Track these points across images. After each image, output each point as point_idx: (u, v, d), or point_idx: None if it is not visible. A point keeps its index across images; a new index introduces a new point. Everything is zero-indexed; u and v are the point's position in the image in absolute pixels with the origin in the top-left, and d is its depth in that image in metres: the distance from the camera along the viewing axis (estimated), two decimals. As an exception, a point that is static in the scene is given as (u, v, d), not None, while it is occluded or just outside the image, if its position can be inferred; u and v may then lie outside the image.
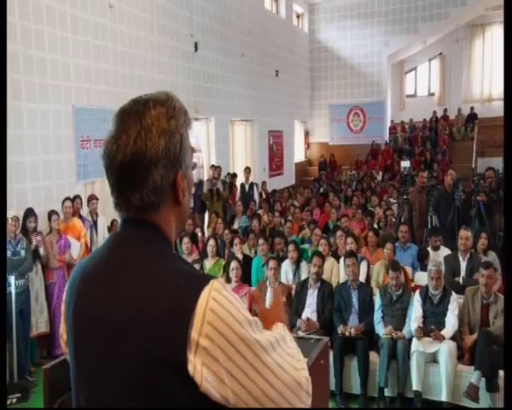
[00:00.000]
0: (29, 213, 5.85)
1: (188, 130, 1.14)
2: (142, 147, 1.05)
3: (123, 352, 1.02)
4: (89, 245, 6.76)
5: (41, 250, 5.80)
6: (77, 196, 6.90)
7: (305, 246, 7.26)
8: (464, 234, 5.99)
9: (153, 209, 1.10)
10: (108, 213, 7.35)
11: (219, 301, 1.00)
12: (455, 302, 4.97)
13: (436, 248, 6.46)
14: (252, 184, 11.35)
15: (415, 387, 4.69)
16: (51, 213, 6.20)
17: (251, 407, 1.02)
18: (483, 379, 4.49)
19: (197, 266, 6.06)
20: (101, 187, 7.59)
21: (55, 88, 6.91)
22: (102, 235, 7.03)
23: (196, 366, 0.97)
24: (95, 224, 7.04)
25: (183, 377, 0.98)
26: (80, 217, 6.83)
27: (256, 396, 1.01)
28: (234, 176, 11.63)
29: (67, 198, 6.60)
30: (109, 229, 7.15)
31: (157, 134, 1.06)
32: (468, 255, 5.94)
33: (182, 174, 1.11)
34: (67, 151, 7.19)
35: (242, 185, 11.19)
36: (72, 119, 7.25)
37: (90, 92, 7.62)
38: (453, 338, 4.83)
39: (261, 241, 6.74)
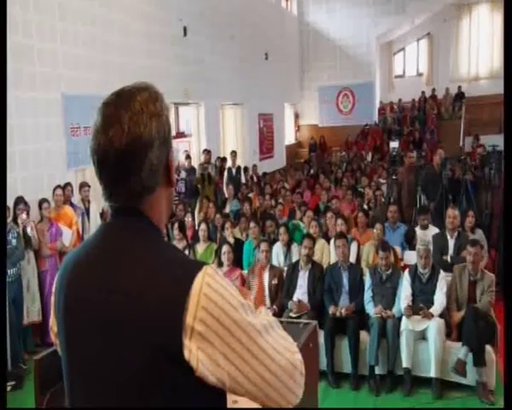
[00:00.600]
0: (19, 201, 5.80)
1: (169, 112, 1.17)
2: (137, 131, 1.06)
3: (117, 341, 1.02)
4: (80, 233, 6.71)
5: (28, 229, 5.72)
6: (68, 184, 6.84)
7: (300, 226, 7.20)
8: (452, 213, 6.01)
9: (148, 194, 1.10)
10: (100, 200, 7.29)
11: (213, 287, 1.00)
12: (443, 280, 5.00)
13: (424, 228, 6.48)
14: (239, 168, 11.30)
15: (404, 364, 4.73)
16: (42, 202, 6.14)
17: (247, 389, 1.03)
18: (470, 355, 4.54)
19: (188, 252, 6.05)
20: (92, 174, 7.42)
21: (43, 76, 6.81)
22: (95, 222, 6.98)
23: (192, 350, 0.98)
24: (87, 211, 6.98)
25: (179, 363, 0.98)
26: (71, 204, 6.78)
27: (252, 379, 1.02)
28: (223, 160, 11.57)
29: (58, 186, 6.53)
30: (101, 216, 7.11)
31: (147, 117, 1.07)
32: (455, 234, 5.97)
33: (171, 154, 1.14)
34: (57, 139, 7.11)
35: (229, 169, 11.14)
36: (61, 106, 7.15)
37: (79, 80, 7.51)
38: (441, 316, 4.87)
39: (252, 224, 6.73)
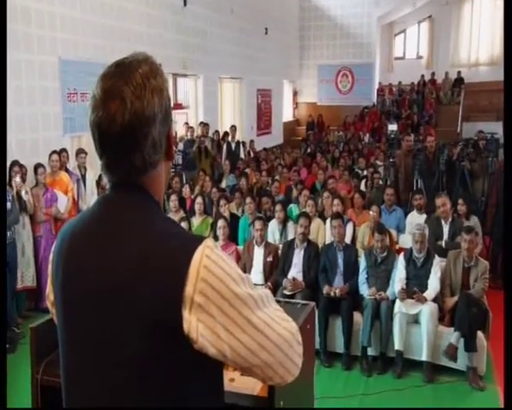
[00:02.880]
0: (14, 164, 5.70)
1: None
2: (140, 106, 1.03)
3: (115, 313, 1.01)
4: (76, 199, 6.64)
5: (23, 193, 5.64)
6: (63, 150, 6.73)
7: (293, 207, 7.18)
8: (440, 201, 5.95)
9: (150, 169, 1.09)
10: (97, 167, 7.19)
11: (213, 259, 1.00)
12: (437, 265, 5.00)
13: (420, 210, 6.44)
14: (238, 143, 11.19)
15: (397, 346, 4.74)
16: (37, 167, 6.05)
17: (248, 360, 1.03)
18: (462, 340, 4.55)
19: (184, 224, 5.98)
20: (89, 141, 7.34)
21: (40, 38, 6.63)
22: (91, 189, 6.91)
23: (192, 322, 0.98)
24: (83, 178, 6.89)
25: (178, 336, 0.98)
26: (67, 171, 6.68)
27: (253, 349, 1.02)
28: (225, 134, 11.42)
29: (54, 151, 6.43)
30: (98, 183, 7.02)
31: (150, 92, 1.05)
32: (450, 219, 5.95)
33: (171, 128, 1.15)
34: (54, 104, 6.98)
35: (228, 144, 11.02)
36: (58, 71, 7.01)
37: (76, 44, 7.35)
38: (435, 300, 4.87)
39: (248, 200, 6.67)
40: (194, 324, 0.98)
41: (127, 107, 1.02)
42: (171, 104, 1.16)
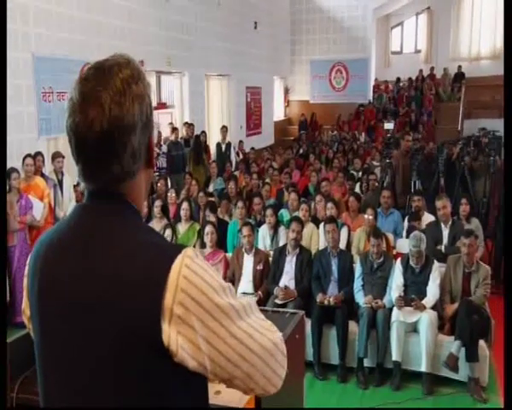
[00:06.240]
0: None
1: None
2: (119, 114, 1.05)
3: (94, 327, 1.03)
4: (53, 206, 6.62)
5: None
6: (38, 153, 6.71)
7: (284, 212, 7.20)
8: (440, 204, 5.97)
9: (129, 178, 1.11)
10: (74, 172, 7.18)
11: (192, 269, 1.02)
12: (436, 271, 5.04)
13: (418, 214, 6.47)
14: (229, 144, 11.22)
15: (394, 357, 4.77)
16: (11, 171, 6.01)
17: (229, 372, 1.05)
18: (463, 349, 4.59)
19: (168, 232, 6.00)
20: (66, 144, 7.28)
21: (11, 33, 6.62)
22: (68, 195, 6.90)
23: (171, 335, 0.99)
24: (60, 183, 6.88)
25: (157, 349, 1.00)
26: (43, 175, 6.66)
27: (234, 361, 1.04)
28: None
29: (28, 155, 6.41)
30: (75, 189, 7.01)
31: (130, 98, 1.06)
32: (450, 223, 5.99)
33: (152, 135, 1.16)
34: (27, 103, 6.97)
35: (219, 145, 11.04)
36: (31, 68, 6.99)
37: (51, 40, 7.34)
38: (434, 308, 4.92)
39: (240, 204, 6.68)
40: (173, 336, 0.99)
41: (105, 114, 1.03)
42: (154, 103, 1.21)
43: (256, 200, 6.99)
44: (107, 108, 1.03)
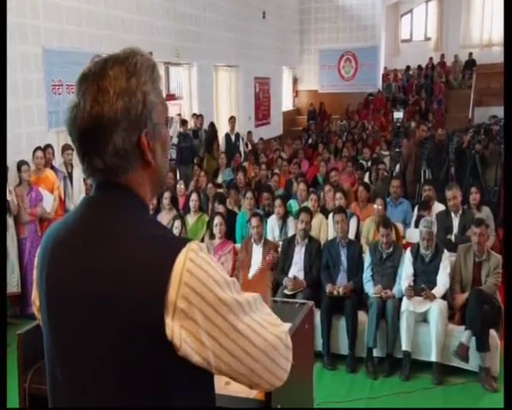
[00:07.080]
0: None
1: (156, 85, 1.13)
2: (99, 111, 1.05)
3: (99, 320, 1.04)
4: (63, 198, 6.66)
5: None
6: (48, 146, 6.75)
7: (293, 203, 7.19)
8: (450, 194, 5.93)
9: (121, 172, 1.10)
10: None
11: (197, 262, 1.02)
12: (447, 260, 5.02)
13: (428, 203, 6.45)
14: (238, 135, 11.20)
15: (404, 347, 4.77)
16: (21, 164, 6.07)
17: (233, 367, 1.05)
18: (473, 339, 4.58)
19: (178, 223, 6.01)
20: (76, 136, 7.42)
21: (21, 27, 6.65)
22: (78, 187, 6.94)
23: (174, 329, 1.00)
24: (69, 176, 6.92)
25: (161, 343, 1.00)
26: (53, 168, 6.70)
27: (238, 356, 1.05)
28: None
29: (38, 148, 6.45)
30: (85, 181, 7.05)
31: (114, 96, 1.06)
32: (460, 212, 5.96)
33: (149, 133, 1.10)
34: (37, 96, 6.99)
35: (228, 136, 11.02)
36: (41, 61, 7.01)
37: (61, 33, 7.35)
38: (444, 297, 4.90)
39: (249, 194, 6.67)
40: (177, 330, 1.00)
41: (86, 110, 1.06)
42: (164, 97, 1.17)
43: (265, 195, 6.91)
44: (89, 106, 1.05)
